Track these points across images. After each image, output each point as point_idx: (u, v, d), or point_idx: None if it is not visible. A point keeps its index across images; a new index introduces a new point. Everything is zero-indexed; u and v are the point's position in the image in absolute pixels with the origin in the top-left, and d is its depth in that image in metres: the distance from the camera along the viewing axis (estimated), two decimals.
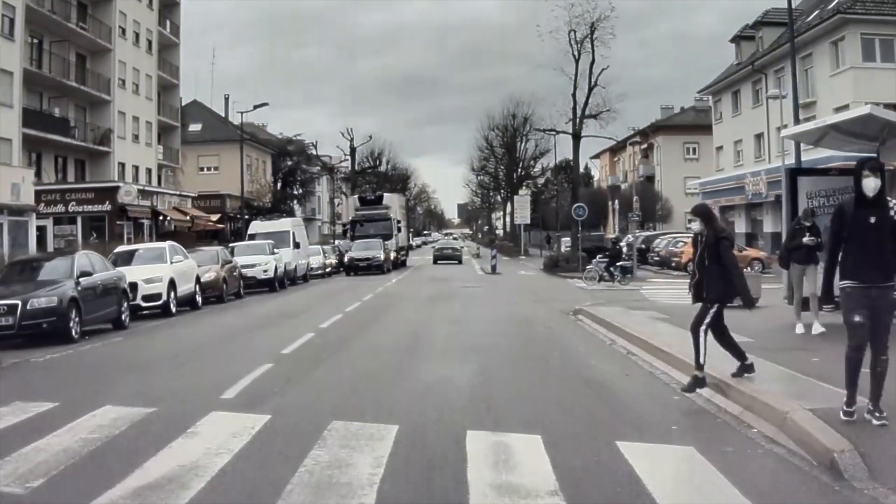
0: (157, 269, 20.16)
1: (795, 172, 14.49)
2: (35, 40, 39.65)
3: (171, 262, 20.81)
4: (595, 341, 13.51)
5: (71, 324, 14.94)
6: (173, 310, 20.15)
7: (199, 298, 22.39)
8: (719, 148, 55.36)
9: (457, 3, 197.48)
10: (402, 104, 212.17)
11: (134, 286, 19.19)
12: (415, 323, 16.53)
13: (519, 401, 8.10)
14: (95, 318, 16.34)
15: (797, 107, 20.11)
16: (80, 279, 15.70)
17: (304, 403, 8.12)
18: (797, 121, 20.11)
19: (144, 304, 19.59)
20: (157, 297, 19.71)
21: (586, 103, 41.84)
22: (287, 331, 15.37)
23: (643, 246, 40.74)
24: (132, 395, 8.91)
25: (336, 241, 57.90)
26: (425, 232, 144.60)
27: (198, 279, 22.49)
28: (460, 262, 50.34)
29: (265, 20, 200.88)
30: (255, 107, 45.91)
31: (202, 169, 62.98)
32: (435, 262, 53.46)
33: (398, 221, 49.63)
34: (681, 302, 20.67)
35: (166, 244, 22.74)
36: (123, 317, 17.40)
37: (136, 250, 22.16)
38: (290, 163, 71.91)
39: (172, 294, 20.20)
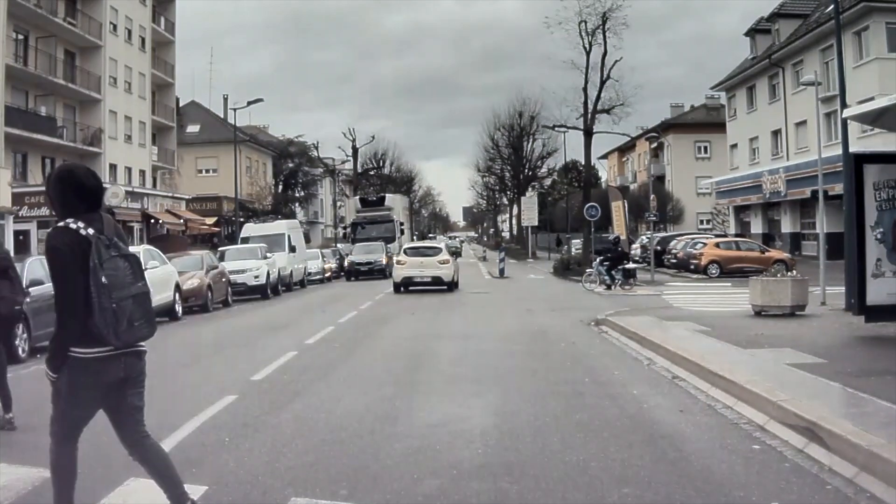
0: None
1: (861, 159, 12.33)
2: (20, 36, 37.79)
3: (146, 268, 18.65)
4: (629, 361, 11.36)
5: (17, 341, 12.85)
6: None
7: (178, 308, 20.29)
8: (733, 146, 53.37)
9: (479, 5, 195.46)
10: (420, 106, 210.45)
11: None
12: (416, 338, 14.37)
13: (557, 466, 5.90)
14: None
15: (843, 89, 17.93)
16: (30, 289, 13.58)
17: (258, 465, 5.97)
18: (843, 105, 17.94)
19: None
20: None
21: (598, 97, 39.66)
22: (266, 348, 13.26)
23: (658, 248, 38.52)
24: (42, 445, 6.80)
25: (338, 245, 55.85)
26: (430, 235, 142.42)
27: (178, 287, 20.41)
28: (461, 255, 50.10)
29: (285, 22, 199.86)
30: (249, 103, 43.79)
31: (200, 171, 61.13)
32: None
33: (401, 223, 47.55)
34: (715, 309, 18.71)
35: (140, 248, 20.64)
36: None
37: None
38: (291, 165, 70.15)
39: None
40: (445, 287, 27.97)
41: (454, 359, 11.70)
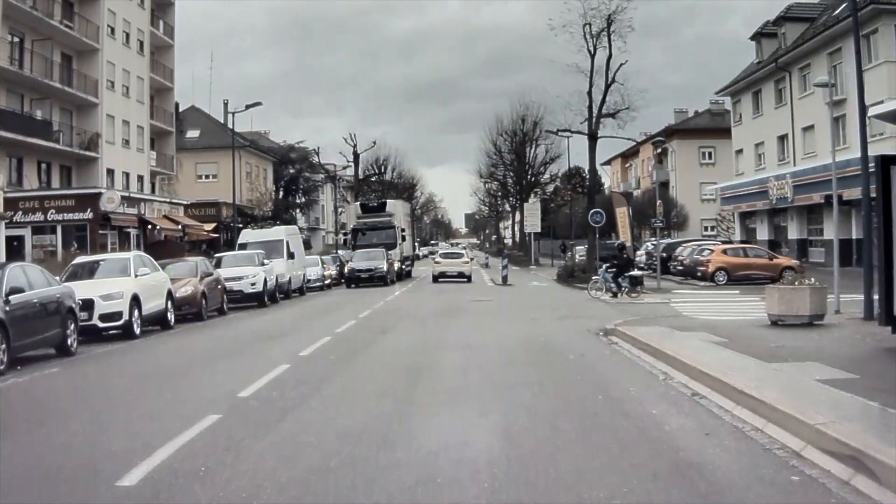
0: (119, 283, 17.31)
1: (888, 160, 11.64)
2: (15, 38, 37.16)
3: (137, 276, 17.97)
4: (643, 376, 10.64)
5: None
6: (137, 331, 17.29)
7: (171, 316, 19.58)
8: (739, 151, 52.69)
9: (484, 9, 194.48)
10: (424, 111, 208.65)
11: (89, 304, 16.43)
12: (416, 350, 13.64)
13: None
14: (32, 343, 13.55)
15: (862, 88, 17.28)
16: (10, 297, 12.92)
17: (233, 503, 5.28)
18: (862, 106, 17.31)
19: (102, 325, 16.77)
20: (117, 315, 16.86)
21: (603, 101, 38.95)
22: (258, 360, 12.56)
23: (664, 254, 37.81)
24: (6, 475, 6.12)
25: (338, 251, 55.15)
26: (432, 241, 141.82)
27: (170, 294, 19.71)
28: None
29: (290, 27, 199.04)
30: (248, 106, 43.07)
31: (200, 176, 60.46)
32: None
33: (402, 230, 46.74)
34: (727, 318, 18.00)
35: (130, 254, 19.95)
36: (69, 341, 14.57)
37: (97, 262, 19.31)
38: (292, 170, 69.51)
39: (136, 312, 17.37)
40: (466, 279, 40.87)
41: (457, 372, 10.99)
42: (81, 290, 16.38)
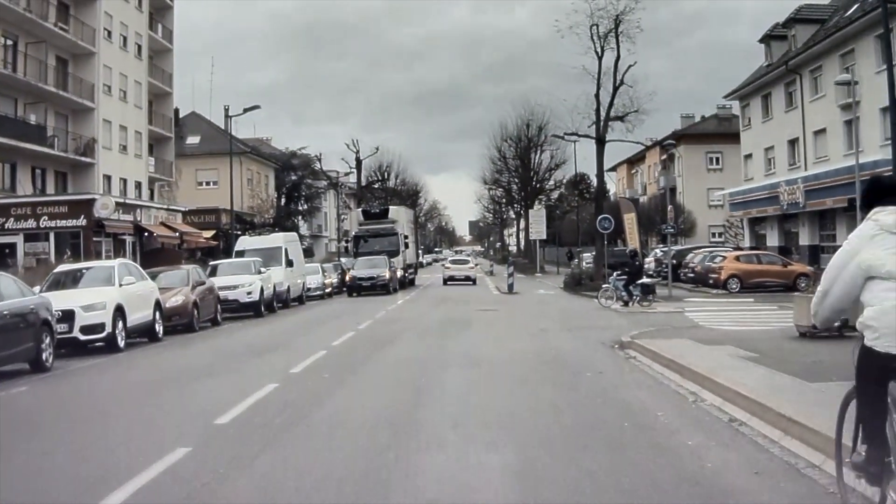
0: (101, 293, 16.26)
1: None
2: (8, 41, 36.26)
3: (121, 285, 16.93)
4: (671, 397, 9.55)
5: None
6: (121, 343, 16.22)
7: (159, 328, 18.54)
8: (748, 156, 51.59)
9: (490, 16, 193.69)
10: (429, 118, 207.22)
11: (70, 315, 15.41)
12: (417, 365, 12.56)
13: None
14: (2, 358, 12.53)
15: (893, 84, 16.23)
16: None
17: None
18: (893, 102, 16.29)
19: (83, 337, 15.72)
20: (99, 328, 15.81)
21: (611, 104, 37.91)
22: (245, 378, 11.49)
23: (674, 261, 36.75)
24: None
25: (340, 259, 54.13)
26: (436, 249, 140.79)
27: (158, 304, 18.67)
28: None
29: (296, 33, 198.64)
30: (246, 110, 42.07)
31: (200, 183, 59.45)
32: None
33: (405, 237, 45.72)
34: (750, 329, 16.92)
35: (115, 262, 18.91)
36: (45, 356, 13.53)
37: (81, 270, 18.27)
38: (294, 177, 68.56)
39: (120, 324, 16.32)
40: (472, 282, 46.22)
41: (462, 393, 9.92)
42: (62, 300, 15.40)
